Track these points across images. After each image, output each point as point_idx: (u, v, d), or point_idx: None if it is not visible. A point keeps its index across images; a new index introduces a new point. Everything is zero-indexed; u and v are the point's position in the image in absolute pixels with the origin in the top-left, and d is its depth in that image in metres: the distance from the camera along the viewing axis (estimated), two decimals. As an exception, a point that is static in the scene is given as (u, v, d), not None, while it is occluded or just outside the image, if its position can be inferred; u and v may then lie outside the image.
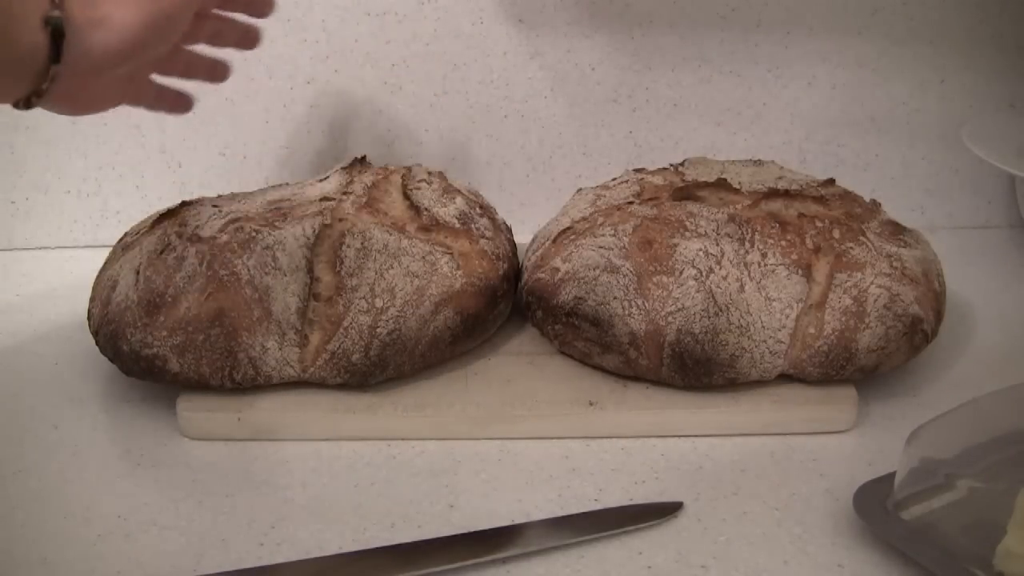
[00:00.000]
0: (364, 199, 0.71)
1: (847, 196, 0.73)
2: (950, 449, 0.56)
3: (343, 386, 0.67)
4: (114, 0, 0.58)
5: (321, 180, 0.75)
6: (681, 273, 0.66)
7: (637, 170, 0.79)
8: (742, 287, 0.66)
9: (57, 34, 0.55)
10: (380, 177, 0.74)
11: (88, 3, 0.57)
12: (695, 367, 0.65)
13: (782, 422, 0.66)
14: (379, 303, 0.66)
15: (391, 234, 0.68)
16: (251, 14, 0.71)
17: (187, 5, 0.62)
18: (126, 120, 0.89)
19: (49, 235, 0.92)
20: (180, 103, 0.72)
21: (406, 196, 0.72)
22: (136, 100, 0.68)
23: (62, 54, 0.56)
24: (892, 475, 0.56)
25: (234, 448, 0.65)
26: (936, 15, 0.87)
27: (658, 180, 0.75)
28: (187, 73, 0.71)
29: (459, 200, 0.74)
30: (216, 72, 0.73)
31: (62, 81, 0.57)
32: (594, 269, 0.68)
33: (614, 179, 0.78)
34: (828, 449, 0.64)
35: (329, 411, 0.66)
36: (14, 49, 0.55)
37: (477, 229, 0.72)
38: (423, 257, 0.68)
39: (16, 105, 0.58)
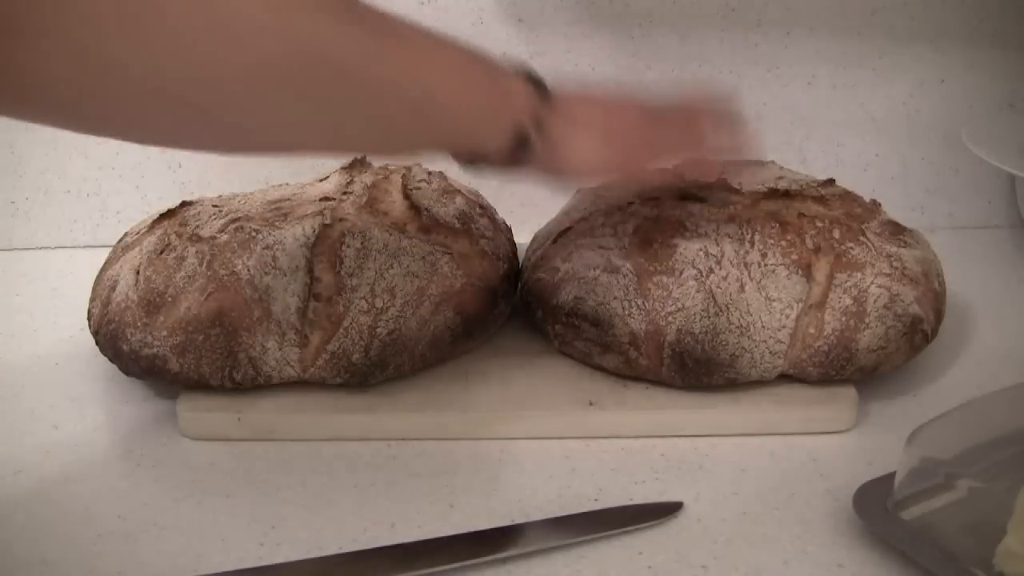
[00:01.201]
0: (364, 199, 0.71)
1: (847, 196, 0.73)
2: (950, 449, 0.56)
3: (343, 386, 0.67)
4: (588, 134, 0.61)
5: (321, 180, 0.75)
6: (681, 273, 0.66)
7: (637, 170, 0.78)
8: (742, 287, 0.66)
9: (523, 141, 0.59)
10: (380, 177, 0.74)
11: (563, 129, 0.60)
12: (695, 367, 0.65)
13: (782, 422, 0.66)
14: (379, 303, 0.66)
15: (391, 234, 0.68)
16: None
17: (653, 182, 0.68)
18: (126, 120, 0.89)
19: (49, 235, 0.92)
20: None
21: (406, 196, 0.72)
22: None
23: (521, 157, 0.59)
24: (892, 475, 0.56)
25: (234, 448, 0.65)
26: (936, 15, 0.87)
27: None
28: None
29: (459, 200, 0.74)
30: None
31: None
32: (594, 269, 0.68)
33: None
34: (828, 449, 0.64)
35: (329, 411, 0.66)
36: (484, 142, 0.59)
37: (477, 229, 0.72)
38: (423, 257, 0.68)
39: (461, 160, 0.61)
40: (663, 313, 0.66)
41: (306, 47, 0.49)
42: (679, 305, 0.66)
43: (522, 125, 0.59)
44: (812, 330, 0.66)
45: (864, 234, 0.69)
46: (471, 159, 0.61)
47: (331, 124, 0.53)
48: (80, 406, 0.70)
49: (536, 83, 0.60)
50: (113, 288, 0.69)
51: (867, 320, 0.66)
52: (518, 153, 0.59)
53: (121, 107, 0.48)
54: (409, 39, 0.56)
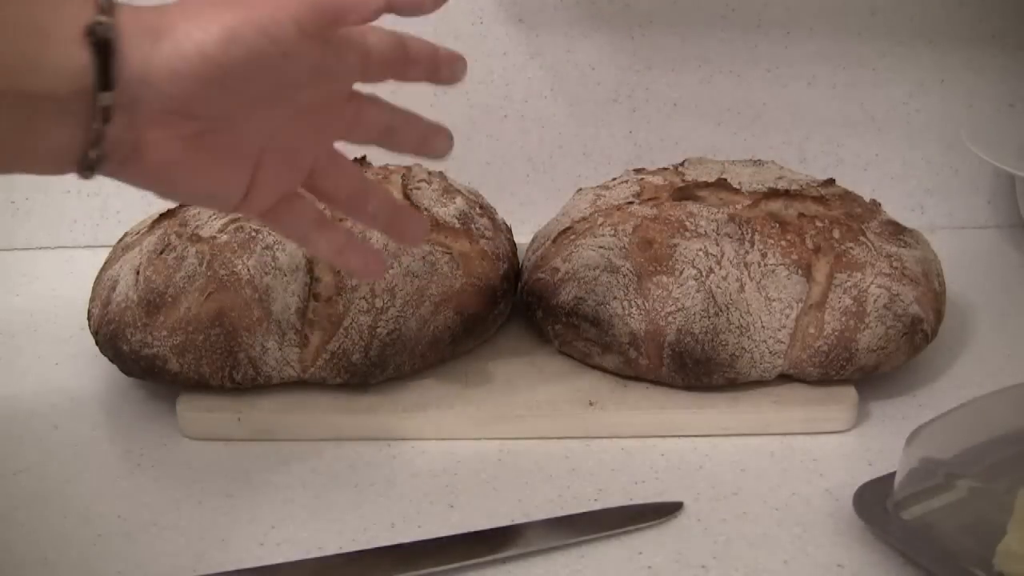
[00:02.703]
0: (364, 199, 0.71)
1: (847, 196, 0.73)
2: (950, 449, 0.56)
3: (343, 386, 0.67)
4: (184, 10, 0.44)
5: (321, 180, 0.75)
6: (681, 273, 0.66)
7: (637, 170, 0.79)
8: (742, 287, 0.66)
9: (103, 47, 0.41)
10: (380, 177, 0.74)
11: (148, 12, 0.43)
12: (695, 367, 0.65)
13: (782, 422, 0.65)
14: (379, 303, 0.66)
15: (391, 234, 0.68)
16: (435, 80, 0.53)
17: (292, 19, 0.45)
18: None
19: (49, 235, 0.92)
20: (362, 258, 0.55)
21: (406, 196, 0.72)
22: (264, 194, 0.50)
23: (111, 77, 0.42)
24: (892, 475, 0.56)
25: (234, 448, 0.65)
26: (936, 15, 0.87)
27: (658, 180, 0.75)
28: (340, 194, 0.53)
29: (459, 200, 0.74)
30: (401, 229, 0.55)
31: (125, 129, 0.43)
32: (594, 269, 0.68)
33: (614, 179, 0.78)
34: (828, 449, 0.64)
35: (329, 411, 0.66)
36: (43, 75, 0.41)
37: (477, 229, 0.72)
38: (423, 257, 0.68)
39: (80, 171, 0.45)
40: (663, 313, 0.66)
41: None
42: (679, 305, 0.66)
43: (95, 21, 0.41)
44: (812, 330, 0.66)
45: (864, 234, 0.69)
46: (66, 142, 0.42)
47: None
48: (80, 406, 0.70)
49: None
50: (113, 288, 0.69)
51: (867, 320, 0.66)
52: (106, 65, 0.41)
53: None
54: None
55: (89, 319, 0.71)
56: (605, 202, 0.73)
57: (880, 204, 0.74)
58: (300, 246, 0.61)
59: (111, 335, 0.67)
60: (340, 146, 0.55)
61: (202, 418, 0.66)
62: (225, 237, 0.68)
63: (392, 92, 0.90)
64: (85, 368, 0.73)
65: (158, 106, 0.44)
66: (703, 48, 0.88)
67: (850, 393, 0.66)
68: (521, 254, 0.77)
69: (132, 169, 0.46)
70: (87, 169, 0.45)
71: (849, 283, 0.66)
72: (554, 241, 0.72)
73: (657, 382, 0.67)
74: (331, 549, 0.57)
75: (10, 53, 0.40)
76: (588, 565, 0.56)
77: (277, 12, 0.45)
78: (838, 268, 0.67)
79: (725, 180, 0.72)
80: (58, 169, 0.45)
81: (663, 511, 0.59)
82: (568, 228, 0.72)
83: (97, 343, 0.69)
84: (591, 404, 0.66)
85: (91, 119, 0.42)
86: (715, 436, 0.65)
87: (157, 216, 0.73)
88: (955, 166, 0.92)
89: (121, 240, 0.74)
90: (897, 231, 0.71)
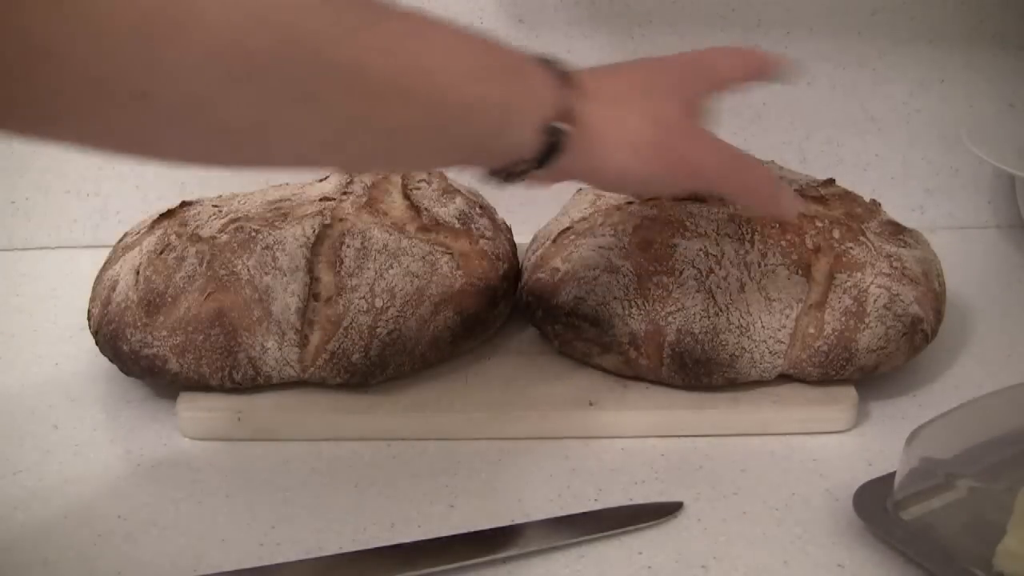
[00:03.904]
0: (364, 199, 0.71)
1: (847, 196, 0.73)
2: (950, 449, 0.56)
3: (343, 386, 0.67)
4: (618, 123, 0.53)
5: (321, 180, 0.75)
6: (681, 273, 0.66)
7: (637, 170, 0.78)
8: (742, 287, 0.66)
9: (552, 148, 0.51)
10: (380, 177, 0.74)
11: (602, 127, 0.52)
12: (695, 367, 0.65)
13: (782, 422, 0.65)
14: (379, 303, 0.66)
15: (391, 234, 0.68)
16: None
17: (698, 186, 0.60)
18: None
19: (49, 235, 0.92)
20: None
21: (406, 196, 0.72)
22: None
23: (548, 165, 0.52)
24: (892, 475, 0.56)
25: (234, 448, 0.65)
26: (936, 15, 0.87)
27: (658, 180, 0.75)
28: None
29: (459, 200, 0.74)
30: None
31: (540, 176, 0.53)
32: (594, 269, 0.68)
33: (614, 179, 0.78)
34: (828, 449, 0.64)
35: (329, 411, 0.66)
36: (500, 145, 0.51)
37: (477, 229, 0.72)
38: (423, 257, 0.68)
39: (498, 176, 0.54)
40: (663, 313, 0.66)
41: (283, 33, 0.42)
42: (679, 305, 0.66)
43: (551, 119, 0.51)
44: (812, 330, 0.66)
45: (864, 234, 0.69)
46: (508, 172, 0.53)
47: (326, 127, 0.46)
48: (80, 406, 0.70)
49: (556, 68, 0.52)
50: (113, 288, 0.69)
51: (867, 320, 0.66)
52: (552, 155, 0.52)
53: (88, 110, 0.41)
54: (403, 18, 0.47)
55: (89, 319, 0.71)
56: (605, 202, 0.73)
57: (880, 204, 0.74)
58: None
59: (111, 335, 0.67)
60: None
61: (202, 418, 0.66)
62: (225, 237, 0.68)
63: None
64: (85, 368, 0.73)
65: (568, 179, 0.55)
66: (703, 48, 0.88)
67: (850, 393, 0.66)
68: (521, 254, 0.77)
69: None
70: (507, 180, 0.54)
71: (849, 283, 0.66)
72: (554, 241, 0.72)
73: (657, 382, 0.67)
74: (331, 549, 0.57)
75: (490, 119, 0.50)
76: (588, 565, 0.56)
77: (698, 182, 0.58)
78: (838, 268, 0.67)
79: (725, 180, 0.72)
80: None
81: (663, 511, 0.59)
82: (568, 228, 0.72)
83: (97, 343, 0.69)
84: (591, 404, 0.66)
85: (516, 173, 0.53)
86: (715, 436, 0.65)
87: (157, 216, 0.73)
88: (955, 166, 0.92)
89: (121, 240, 0.74)
90: (897, 231, 0.71)
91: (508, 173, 0.53)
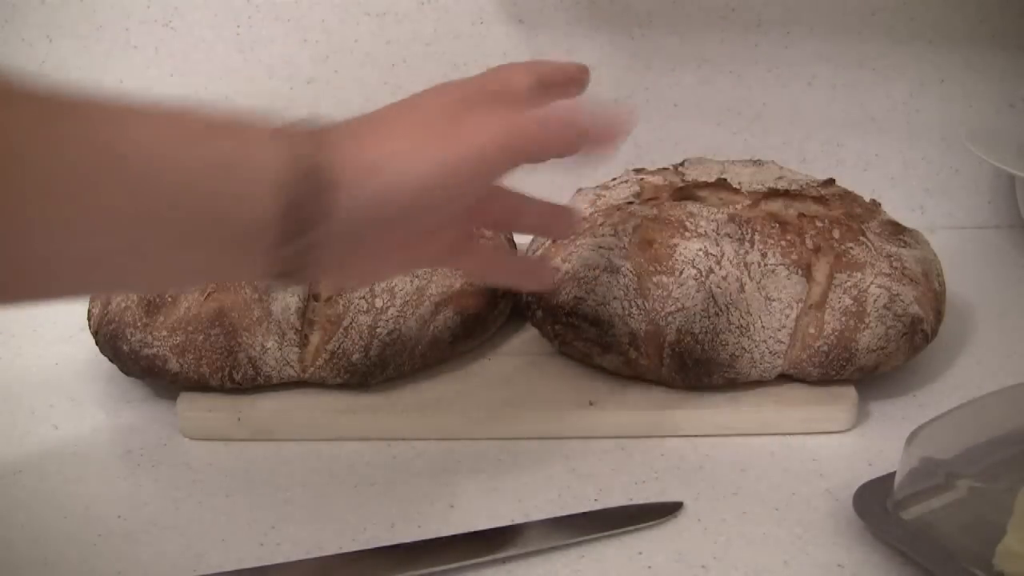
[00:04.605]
0: (364, 199, 0.71)
1: (847, 196, 0.73)
2: (950, 449, 0.56)
3: (343, 386, 0.67)
4: (383, 138, 0.47)
5: (321, 180, 0.75)
6: (681, 273, 0.66)
7: (637, 170, 0.79)
8: (742, 287, 0.66)
9: (300, 209, 0.43)
10: (380, 177, 0.74)
11: (356, 142, 0.46)
12: (695, 367, 0.65)
13: (782, 422, 0.65)
14: (379, 303, 0.66)
15: (391, 234, 0.68)
16: (590, 151, 0.53)
17: (494, 156, 0.49)
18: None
19: (49, 235, 0.92)
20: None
21: (406, 196, 0.72)
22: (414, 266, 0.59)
23: (308, 227, 0.43)
24: (892, 475, 0.56)
25: (234, 448, 0.65)
26: (936, 15, 0.87)
27: (658, 180, 0.75)
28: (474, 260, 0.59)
29: (459, 200, 0.73)
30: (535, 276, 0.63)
31: (322, 252, 0.45)
32: (594, 269, 0.68)
33: (614, 179, 0.78)
34: (828, 449, 0.64)
35: (329, 411, 0.66)
36: (235, 222, 0.43)
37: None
38: (423, 257, 0.68)
39: (275, 281, 0.47)
40: (663, 313, 0.66)
41: None
42: (679, 305, 0.66)
43: (290, 176, 0.43)
44: (812, 330, 0.66)
45: (864, 234, 0.69)
46: (286, 259, 0.45)
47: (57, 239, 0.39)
48: (80, 406, 0.70)
49: (298, 126, 0.46)
50: (113, 288, 0.69)
51: (867, 320, 0.66)
52: (306, 217, 0.43)
53: None
54: (96, 104, 0.42)
55: (89, 319, 0.71)
56: (605, 202, 0.73)
57: (880, 204, 0.74)
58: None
59: (111, 335, 0.67)
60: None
61: (202, 418, 0.66)
62: (225, 237, 0.68)
63: (394, 93, 0.90)
64: (85, 368, 0.73)
65: (357, 236, 0.46)
66: (703, 48, 0.88)
67: (850, 393, 0.66)
68: (521, 254, 0.77)
69: (325, 279, 0.51)
70: (282, 281, 0.48)
71: (849, 283, 0.66)
72: (554, 241, 0.72)
73: (657, 382, 0.67)
74: (331, 549, 0.57)
75: (207, 178, 0.42)
76: (588, 565, 0.56)
77: (487, 148, 0.49)
78: (838, 268, 0.67)
79: (725, 180, 0.72)
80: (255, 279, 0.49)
81: (663, 511, 0.59)
82: (568, 228, 0.72)
83: (97, 343, 0.69)
84: (591, 404, 0.66)
85: (288, 258, 0.45)
86: (715, 436, 0.65)
87: (157, 216, 0.73)
88: (955, 166, 0.92)
89: (121, 240, 0.74)
90: (897, 231, 0.71)
91: (290, 261, 0.45)
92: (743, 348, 0.65)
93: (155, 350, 0.66)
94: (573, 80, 0.56)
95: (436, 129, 0.48)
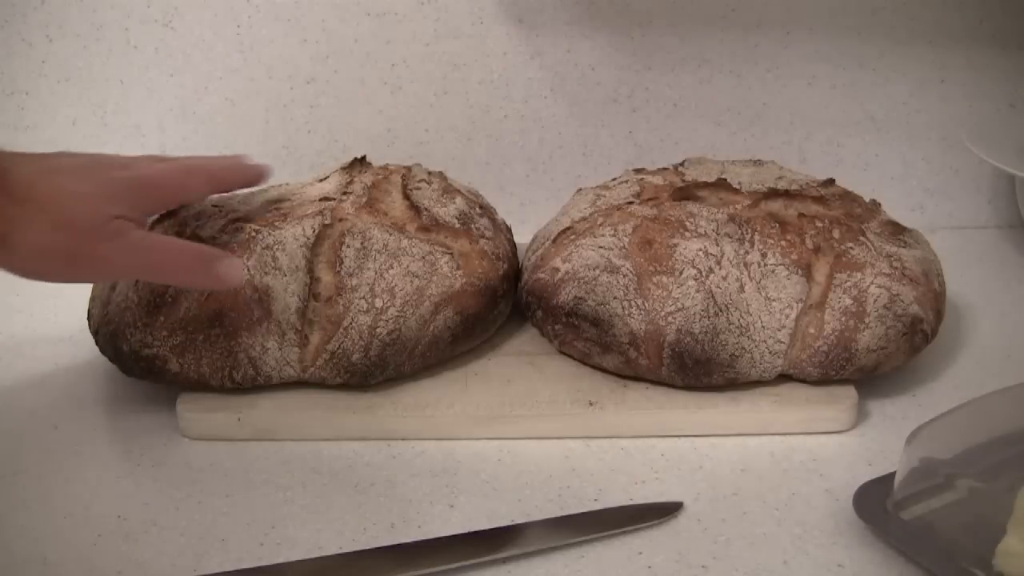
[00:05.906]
0: (364, 199, 0.71)
1: (847, 196, 0.73)
2: (950, 449, 0.56)
3: (343, 386, 0.67)
4: (26, 214, 0.52)
5: (321, 180, 0.75)
6: (681, 273, 0.66)
7: (637, 170, 0.79)
8: (742, 287, 0.66)
9: None
10: (380, 177, 0.74)
11: (5, 228, 0.51)
12: (695, 367, 0.65)
13: (782, 422, 0.66)
14: (379, 303, 0.66)
15: (391, 234, 0.68)
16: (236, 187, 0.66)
17: (126, 271, 0.58)
18: (126, 120, 0.89)
19: (49, 235, 0.92)
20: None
21: (406, 196, 0.72)
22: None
23: None
24: (892, 475, 0.56)
25: (234, 448, 0.65)
26: (936, 15, 0.87)
27: (658, 180, 0.75)
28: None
29: (459, 200, 0.74)
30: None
31: None
32: (594, 269, 0.68)
33: (614, 179, 0.78)
34: (828, 449, 0.64)
35: (329, 411, 0.66)
36: None
37: (477, 229, 0.72)
38: (423, 257, 0.68)
39: None
40: (663, 313, 0.66)
41: None
42: (679, 305, 0.66)
43: None
44: (812, 330, 0.66)
45: (864, 234, 0.69)
46: None
47: None
48: (80, 406, 0.70)
49: None
50: (113, 288, 0.69)
51: (867, 320, 0.66)
52: None
53: None
54: None
55: (89, 319, 0.71)
56: (605, 202, 0.73)
57: (880, 204, 0.74)
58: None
59: (111, 335, 0.67)
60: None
61: (202, 418, 0.66)
62: (225, 237, 0.68)
63: (394, 93, 0.90)
64: (85, 368, 0.73)
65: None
66: (703, 48, 0.88)
67: (850, 393, 0.66)
68: (521, 254, 0.77)
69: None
70: None
71: (849, 283, 0.66)
72: (554, 241, 0.72)
73: (657, 382, 0.67)
74: (331, 549, 0.57)
75: None
76: (588, 565, 0.56)
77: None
78: (838, 268, 0.67)
79: (725, 180, 0.72)
80: None
81: (663, 511, 0.59)
82: (568, 228, 0.72)
83: (97, 343, 0.69)
84: (591, 404, 0.66)
85: None
86: (715, 436, 0.65)
87: (157, 216, 0.73)
88: (955, 166, 0.92)
89: (121, 240, 0.74)
90: (897, 231, 0.71)
91: None
92: (743, 348, 0.65)
93: (155, 350, 0.66)
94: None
95: (74, 247, 0.55)
